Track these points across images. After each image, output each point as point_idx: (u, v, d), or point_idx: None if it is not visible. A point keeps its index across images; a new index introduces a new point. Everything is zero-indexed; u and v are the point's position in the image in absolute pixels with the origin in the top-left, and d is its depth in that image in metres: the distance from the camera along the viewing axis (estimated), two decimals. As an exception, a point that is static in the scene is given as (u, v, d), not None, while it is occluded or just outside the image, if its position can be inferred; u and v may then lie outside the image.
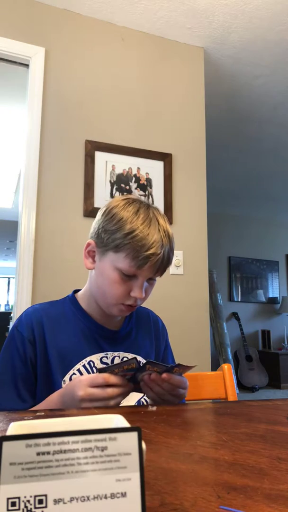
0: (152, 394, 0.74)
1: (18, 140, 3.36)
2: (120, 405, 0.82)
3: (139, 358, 0.87)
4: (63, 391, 0.73)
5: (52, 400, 0.74)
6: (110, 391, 0.68)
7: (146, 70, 2.17)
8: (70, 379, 0.80)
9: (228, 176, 4.35)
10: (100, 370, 0.71)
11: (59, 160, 1.91)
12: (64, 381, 0.80)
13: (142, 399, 0.85)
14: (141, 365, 0.70)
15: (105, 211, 0.84)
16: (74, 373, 0.81)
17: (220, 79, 2.58)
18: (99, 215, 0.85)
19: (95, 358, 0.84)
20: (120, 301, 0.81)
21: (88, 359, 0.83)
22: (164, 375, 0.71)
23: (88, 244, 0.86)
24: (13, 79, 2.37)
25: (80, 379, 0.69)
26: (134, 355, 0.74)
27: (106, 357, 0.85)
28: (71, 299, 0.91)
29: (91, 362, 0.83)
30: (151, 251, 0.76)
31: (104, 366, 0.76)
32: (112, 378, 0.68)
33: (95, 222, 0.86)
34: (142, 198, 0.87)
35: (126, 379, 0.70)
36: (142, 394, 0.85)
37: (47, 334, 0.83)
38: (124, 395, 0.71)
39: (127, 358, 0.76)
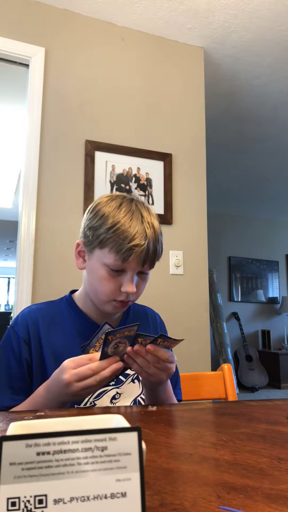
0: (136, 367, 0.72)
1: (18, 140, 3.36)
2: (120, 405, 0.82)
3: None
4: (48, 382, 0.72)
5: (38, 393, 0.74)
6: (95, 366, 0.66)
7: (146, 70, 2.17)
8: None
9: (228, 176, 4.34)
10: (82, 348, 0.70)
11: (59, 160, 1.91)
12: None
13: (139, 397, 0.85)
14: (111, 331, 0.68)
15: (89, 209, 0.85)
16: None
17: (220, 79, 2.57)
18: (85, 214, 0.86)
19: None
20: (111, 298, 0.81)
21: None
22: (149, 346, 0.69)
23: (78, 245, 0.87)
24: (13, 79, 2.37)
25: (63, 364, 0.68)
26: (106, 323, 0.72)
27: None
28: (68, 299, 0.92)
29: None
30: (133, 243, 0.76)
31: (84, 343, 0.74)
32: (96, 356, 0.67)
33: (82, 222, 0.87)
34: (139, 197, 0.87)
35: (113, 350, 0.68)
36: (139, 392, 0.85)
37: (42, 334, 0.83)
38: (113, 369, 0.67)
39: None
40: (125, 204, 0.80)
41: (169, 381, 0.82)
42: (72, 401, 0.71)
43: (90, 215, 0.83)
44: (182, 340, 0.70)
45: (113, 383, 0.83)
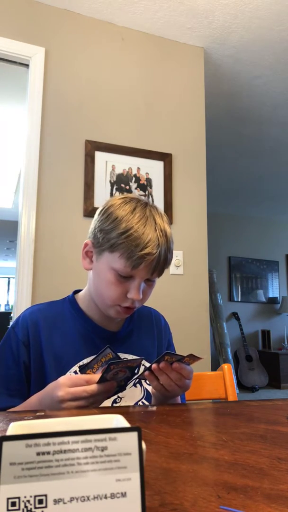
0: (156, 383, 0.72)
1: (18, 140, 3.36)
2: (120, 405, 0.81)
3: (126, 356, 0.86)
4: (41, 394, 0.71)
5: (30, 402, 0.73)
6: (90, 389, 0.66)
7: (146, 70, 2.17)
8: None
9: (228, 176, 4.34)
10: (80, 368, 0.70)
11: (59, 160, 1.91)
12: None
13: (140, 402, 0.84)
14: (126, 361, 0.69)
15: (101, 210, 0.82)
16: (70, 375, 0.80)
17: (220, 79, 2.57)
18: (96, 214, 0.84)
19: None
20: (116, 303, 0.79)
21: (85, 360, 0.82)
22: (175, 364, 0.69)
23: (86, 245, 0.85)
24: (13, 79, 2.37)
25: (59, 381, 0.67)
26: (108, 347, 0.72)
27: None
28: (71, 299, 0.91)
29: None
30: (145, 251, 0.74)
31: (83, 364, 0.74)
32: (94, 379, 0.67)
33: (92, 222, 0.85)
34: (142, 197, 0.86)
35: (113, 376, 0.68)
36: (140, 396, 0.85)
37: (43, 336, 0.82)
38: (107, 392, 0.68)
39: (113, 356, 0.74)
40: (139, 209, 0.78)
41: None
42: None
43: (102, 216, 0.80)
44: (203, 358, 0.71)
45: None
